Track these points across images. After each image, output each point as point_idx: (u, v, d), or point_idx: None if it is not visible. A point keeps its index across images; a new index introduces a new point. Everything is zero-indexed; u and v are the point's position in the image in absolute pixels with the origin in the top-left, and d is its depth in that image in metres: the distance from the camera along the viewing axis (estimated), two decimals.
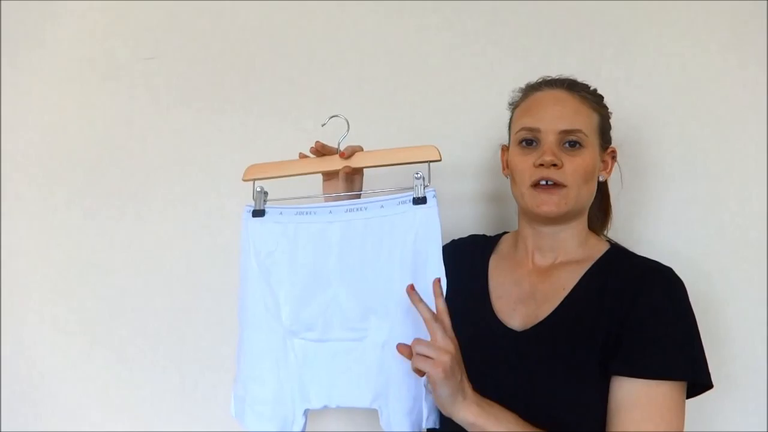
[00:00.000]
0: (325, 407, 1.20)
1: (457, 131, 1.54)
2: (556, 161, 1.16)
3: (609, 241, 1.28)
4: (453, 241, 1.39)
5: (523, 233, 1.27)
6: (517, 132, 1.22)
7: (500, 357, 1.16)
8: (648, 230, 1.48)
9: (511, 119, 1.29)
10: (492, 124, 1.44)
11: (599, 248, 1.23)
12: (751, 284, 1.46)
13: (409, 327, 1.14)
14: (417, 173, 1.16)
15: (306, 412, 1.21)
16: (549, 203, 1.17)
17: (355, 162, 1.22)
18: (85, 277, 1.58)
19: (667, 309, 1.11)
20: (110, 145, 1.60)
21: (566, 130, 1.17)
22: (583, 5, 1.53)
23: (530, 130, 1.19)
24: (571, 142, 1.17)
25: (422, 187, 1.16)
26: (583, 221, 1.25)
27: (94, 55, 1.62)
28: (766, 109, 1.47)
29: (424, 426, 1.15)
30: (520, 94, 1.28)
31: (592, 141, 1.19)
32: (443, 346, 1.03)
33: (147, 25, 1.61)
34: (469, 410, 1.04)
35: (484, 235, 1.40)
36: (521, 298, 1.21)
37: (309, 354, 1.20)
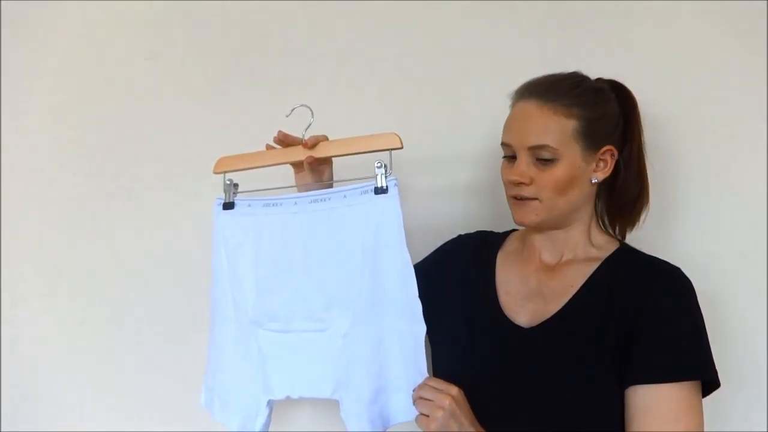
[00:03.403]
0: (288, 398, 1.20)
1: (461, 124, 1.53)
2: (522, 179, 1.16)
3: (618, 240, 1.26)
4: (460, 236, 1.39)
5: (530, 232, 1.27)
6: (500, 145, 1.23)
7: (507, 353, 1.15)
8: (649, 230, 1.41)
9: None
10: (495, 117, 1.39)
11: (608, 247, 1.22)
12: (751, 284, 1.44)
13: (371, 317, 1.14)
14: (378, 162, 1.15)
15: (270, 403, 1.22)
16: (521, 214, 1.19)
17: (318, 152, 1.22)
18: (84, 276, 1.59)
19: (677, 310, 1.11)
20: (109, 145, 1.61)
21: (533, 146, 1.16)
22: (584, 4, 1.50)
23: (506, 145, 1.20)
24: (543, 158, 1.16)
25: (383, 176, 1.14)
26: (582, 223, 1.23)
27: (94, 55, 1.63)
28: (766, 109, 1.44)
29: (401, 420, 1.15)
30: (511, 100, 1.26)
31: (567, 151, 1.15)
32: (437, 402, 1.06)
33: (147, 25, 1.62)
34: None
35: (491, 232, 1.39)
36: (529, 295, 1.21)
37: (272, 344, 1.21)
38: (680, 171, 1.46)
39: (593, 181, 1.20)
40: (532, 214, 1.18)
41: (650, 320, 1.09)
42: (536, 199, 1.17)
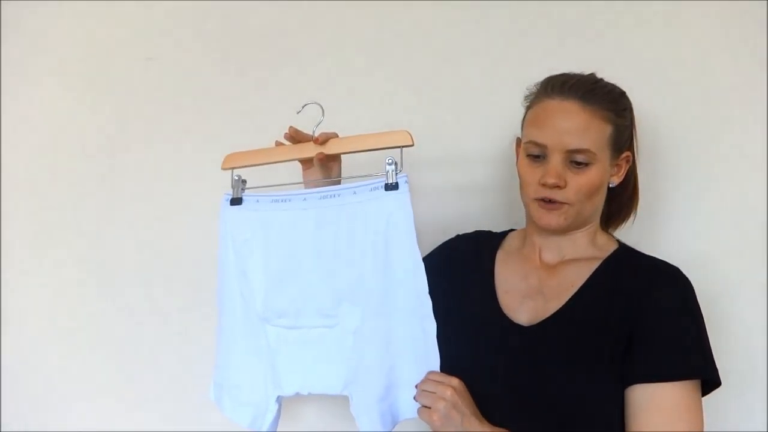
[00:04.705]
0: (297, 394, 1.20)
1: (465, 123, 1.53)
2: (560, 183, 1.14)
3: (617, 240, 1.27)
4: (458, 236, 1.39)
5: (531, 231, 1.27)
6: (525, 142, 1.19)
7: (506, 351, 1.15)
8: (648, 230, 1.45)
9: (523, 119, 1.25)
10: (501, 115, 1.44)
11: (608, 247, 1.23)
12: (751, 284, 1.45)
13: (381, 314, 1.15)
14: (389, 159, 1.15)
15: (279, 399, 1.22)
16: (549, 219, 1.17)
17: (328, 148, 1.22)
18: (84, 276, 1.59)
19: (677, 309, 1.11)
20: (110, 145, 1.61)
21: (573, 149, 1.14)
22: (585, 6, 1.51)
23: (537, 145, 1.16)
24: (578, 161, 1.14)
25: (394, 172, 1.14)
26: (591, 226, 1.24)
27: (94, 55, 1.63)
28: (766, 109, 1.44)
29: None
30: (534, 92, 1.23)
31: (601, 156, 1.15)
32: (439, 393, 1.08)
33: (147, 25, 1.62)
34: None
35: (489, 231, 1.38)
36: (529, 294, 1.21)
37: (281, 341, 1.21)
38: (680, 171, 1.47)
39: (610, 186, 1.22)
40: (561, 218, 1.17)
41: (650, 319, 1.09)
42: (566, 203, 1.16)
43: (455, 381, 1.09)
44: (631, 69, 1.42)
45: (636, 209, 1.33)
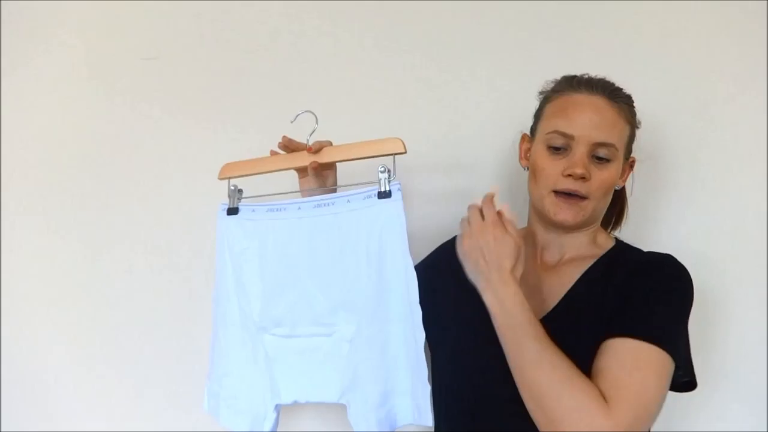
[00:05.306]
0: (295, 402, 1.20)
1: (465, 127, 1.53)
2: (586, 174, 1.14)
3: (615, 238, 1.28)
4: (456, 237, 1.37)
5: (533, 229, 1.27)
6: (548, 133, 1.18)
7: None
8: (649, 231, 1.46)
9: (541, 111, 1.24)
10: (500, 119, 1.45)
11: (605, 245, 1.24)
12: (751, 284, 1.45)
13: (377, 321, 1.15)
14: (381, 167, 1.15)
15: (277, 407, 1.22)
16: (567, 213, 1.17)
17: (322, 157, 1.22)
18: (84, 276, 1.59)
19: (663, 283, 1.11)
20: (110, 146, 1.60)
21: (600, 142, 1.14)
22: (584, 6, 1.50)
23: (563, 135, 1.16)
24: (600, 156, 1.15)
25: (387, 181, 1.15)
26: (595, 225, 1.24)
27: (94, 55, 1.62)
28: (766, 109, 1.45)
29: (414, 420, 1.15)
30: (554, 87, 1.23)
31: (620, 155, 1.17)
32: (472, 230, 1.13)
33: (147, 25, 1.62)
34: (488, 299, 1.11)
35: None
36: (528, 293, 1.18)
37: (279, 349, 1.21)
38: (680, 171, 1.47)
39: (616, 188, 1.23)
40: (580, 214, 1.17)
41: (636, 291, 1.09)
42: (587, 197, 1.16)
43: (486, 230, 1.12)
44: (631, 69, 1.41)
45: (625, 217, 1.35)
